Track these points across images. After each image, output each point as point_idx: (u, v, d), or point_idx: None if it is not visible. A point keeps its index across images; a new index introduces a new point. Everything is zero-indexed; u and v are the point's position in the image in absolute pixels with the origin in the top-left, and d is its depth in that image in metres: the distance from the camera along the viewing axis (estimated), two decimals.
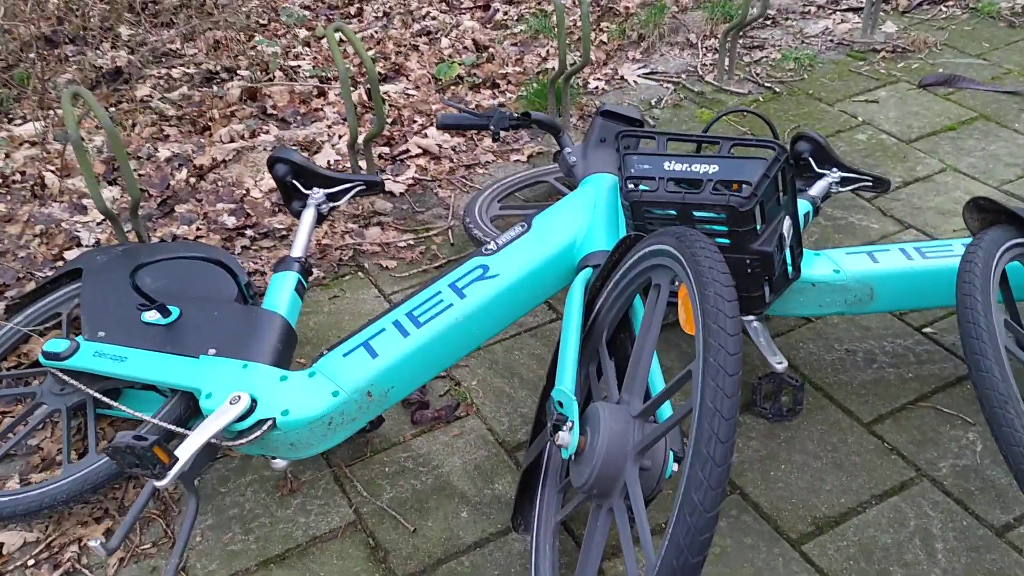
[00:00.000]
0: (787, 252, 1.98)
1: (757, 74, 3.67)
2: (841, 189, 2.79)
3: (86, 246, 2.86)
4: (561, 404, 1.64)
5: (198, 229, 2.94)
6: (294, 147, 3.37)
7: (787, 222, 1.92)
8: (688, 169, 1.87)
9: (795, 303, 2.16)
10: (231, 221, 2.97)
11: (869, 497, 1.97)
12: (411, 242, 2.86)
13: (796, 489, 2.00)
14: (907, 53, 3.74)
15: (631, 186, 1.90)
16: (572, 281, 1.97)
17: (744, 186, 1.82)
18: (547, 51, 3.94)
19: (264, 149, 3.34)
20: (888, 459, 2.06)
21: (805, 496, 1.99)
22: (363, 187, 2.55)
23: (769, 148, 1.86)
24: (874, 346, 2.36)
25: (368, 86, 3.71)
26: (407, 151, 3.30)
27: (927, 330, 2.39)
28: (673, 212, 1.86)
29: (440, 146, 3.32)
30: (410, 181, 3.15)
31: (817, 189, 2.69)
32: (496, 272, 1.99)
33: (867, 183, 2.77)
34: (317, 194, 2.51)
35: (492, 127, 2.28)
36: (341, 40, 4.12)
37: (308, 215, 2.45)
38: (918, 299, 2.15)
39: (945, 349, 2.33)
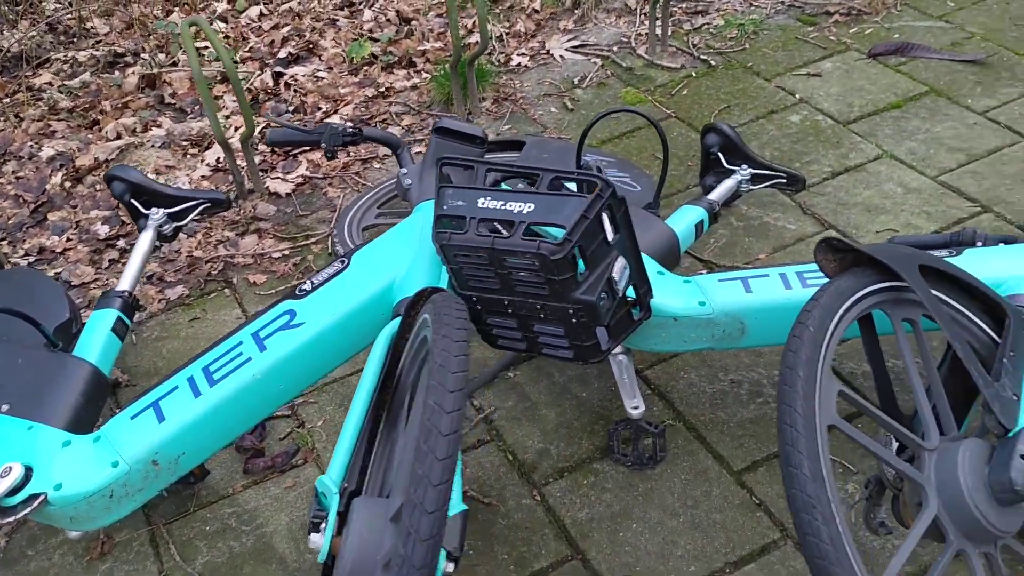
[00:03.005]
0: (629, 293, 1.74)
1: (695, 44, 3.36)
2: (752, 187, 2.52)
3: None
4: (325, 496, 1.44)
5: (68, 240, 2.76)
6: (185, 141, 3.15)
7: (619, 263, 1.67)
8: (502, 207, 1.62)
9: (656, 339, 1.92)
10: (104, 230, 2.78)
11: (723, 564, 1.76)
12: (287, 252, 2.65)
13: (644, 554, 1.79)
14: (862, 16, 3.40)
15: (441, 227, 1.66)
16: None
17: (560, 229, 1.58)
18: (473, 22, 3.65)
19: (153, 146, 3.13)
20: (752, 517, 1.83)
21: (653, 563, 1.78)
22: (207, 204, 2.34)
23: (593, 183, 1.61)
24: (763, 376, 2.11)
25: (276, 68, 3.47)
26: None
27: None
28: (485, 259, 1.62)
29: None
30: (299, 180, 2.92)
31: (721, 191, 2.42)
32: (303, 320, 1.77)
33: (780, 180, 2.49)
34: (157, 214, 2.30)
35: (323, 144, 2.05)
36: (237, 36, 3.87)
37: (144, 239, 2.25)
38: None
39: (842, 379, 2.08)
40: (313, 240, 2.67)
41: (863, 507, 1.63)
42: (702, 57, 3.28)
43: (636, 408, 1.90)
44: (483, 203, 1.64)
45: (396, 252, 1.83)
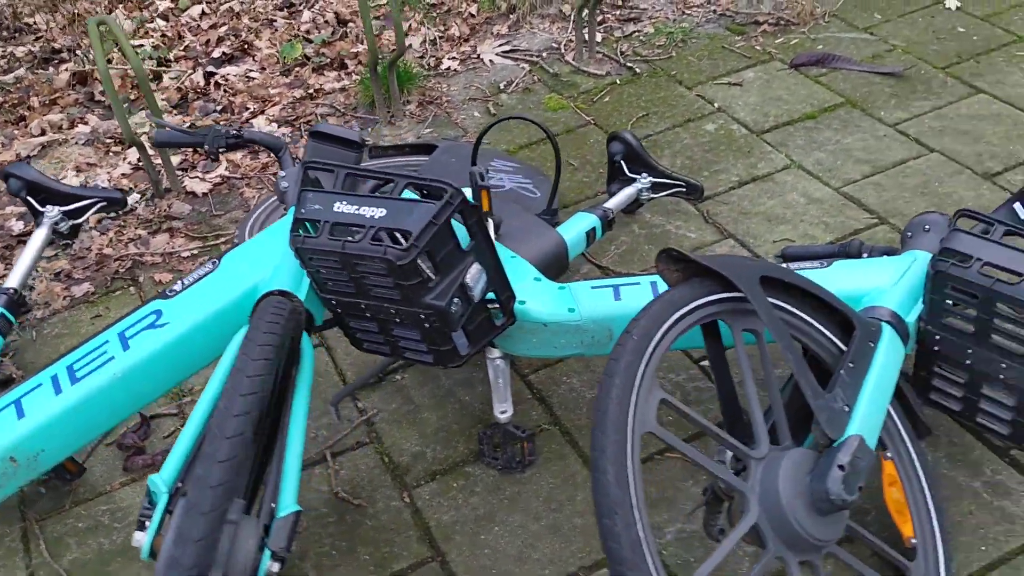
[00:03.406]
0: (490, 297, 1.77)
1: (622, 52, 3.38)
2: (653, 195, 2.54)
3: None
4: (155, 495, 1.46)
5: None
6: (109, 139, 3.17)
7: (474, 269, 1.69)
8: (355, 212, 1.64)
9: (527, 344, 1.94)
10: (18, 227, 2.80)
11: (577, 569, 1.78)
12: (196, 251, 2.67)
13: (502, 557, 1.81)
14: (790, 27, 3.42)
15: (297, 231, 1.68)
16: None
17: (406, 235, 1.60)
18: (410, 25, 3.67)
19: (77, 143, 3.15)
20: None
21: (510, 566, 1.80)
22: (103, 203, 2.36)
23: (443, 189, 1.63)
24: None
25: (208, 68, 3.49)
26: None
27: (705, 363, 2.16)
28: (337, 263, 1.64)
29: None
30: (217, 180, 2.94)
31: (618, 199, 2.45)
32: (168, 320, 1.79)
33: (680, 189, 2.52)
34: (52, 212, 2.32)
35: (206, 147, 2.06)
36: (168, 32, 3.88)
37: (36, 237, 2.27)
38: None
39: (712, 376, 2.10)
40: (223, 240, 2.69)
41: (703, 514, 1.66)
42: (628, 64, 3.30)
43: (504, 413, 1.92)
44: (338, 207, 1.66)
45: (264, 254, 1.85)
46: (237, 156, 3.02)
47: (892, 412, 1.72)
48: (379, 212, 1.62)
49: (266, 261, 1.84)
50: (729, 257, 1.62)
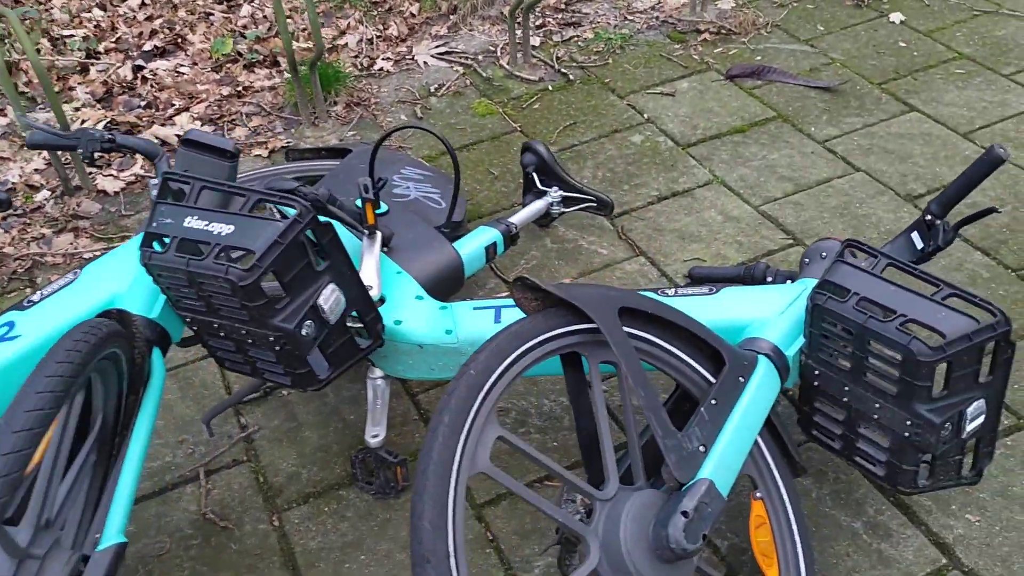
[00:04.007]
0: (354, 317, 1.70)
1: (559, 57, 3.31)
2: (564, 209, 2.48)
3: None
4: None
5: None
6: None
7: (329, 291, 1.63)
8: (204, 228, 1.57)
9: (404, 365, 1.88)
10: None
11: None
12: (99, 253, 2.60)
13: None
14: (731, 36, 3.36)
15: (146, 245, 1.61)
16: None
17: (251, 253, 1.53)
18: (348, 23, 3.59)
19: None
20: (481, 553, 1.80)
21: None
22: None
23: (292, 206, 1.56)
24: (531, 405, 2.08)
25: (138, 61, 3.41)
26: None
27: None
28: (184, 280, 1.57)
29: (180, 136, 3.03)
30: (131, 178, 2.87)
31: (525, 213, 2.38)
32: (20, 332, 1.72)
33: (591, 204, 2.45)
34: None
35: (80, 150, 1.99)
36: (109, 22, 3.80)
37: None
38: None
39: (609, 412, 2.04)
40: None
41: (559, 551, 1.60)
42: (562, 70, 3.23)
43: (375, 437, 1.86)
44: (189, 222, 1.59)
45: (124, 267, 1.78)
46: None
47: (765, 449, 1.66)
48: (227, 229, 1.56)
49: (125, 274, 1.77)
50: (590, 287, 1.55)
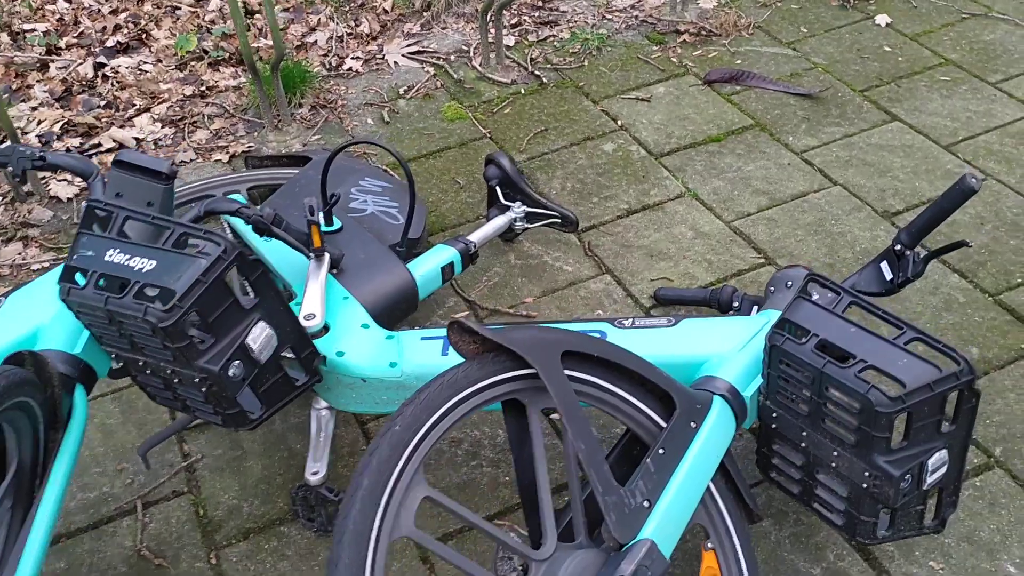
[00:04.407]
0: (292, 355, 1.62)
1: (533, 58, 3.21)
2: (528, 225, 2.39)
3: None
4: None
5: None
6: None
7: (259, 329, 1.54)
8: (126, 263, 1.49)
9: (348, 399, 1.80)
10: None
11: None
12: (48, 264, 2.51)
13: None
14: (712, 38, 3.25)
15: (67, 279, 1.52)
16: None
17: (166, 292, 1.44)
18: (319, 19, 3.49)
19: None
20: None
21: None
22: None
23: (215, 244, 1.48)
24: (484, 436, 2.00)
25: (100, 58, 3.31)
26: (99, 145, 2.92)
27: (556, 416, 2.02)
28: (103, 318, 1.49)
29: (138, 139, 2.94)
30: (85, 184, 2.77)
31: (485, 230, 2.29)
32: None
33: (555, 220, 2.36)
34: None
35: (10, 168, 1.90)
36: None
37: None
38: None
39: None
40: None
41: None
42: (536, 72, 3.13)
43: (316, 474, 1.78)
44: (110, 256, 1.50)
45: (49, 296, 1.69)
46: (110, 158, 2.85)
47: (718, 496, 1.58)
48: (148, 265, 1.47)
49: (50, 304, 1.68)
50: (530, 329, 1.47)
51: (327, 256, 1.96)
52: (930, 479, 1.51)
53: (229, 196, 2.24)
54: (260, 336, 1.54)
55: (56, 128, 2.99)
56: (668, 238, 2.45)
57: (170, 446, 2.02)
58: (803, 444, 1.59)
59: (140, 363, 1.57)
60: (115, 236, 1.53)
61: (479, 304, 2.30)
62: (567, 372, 1.47)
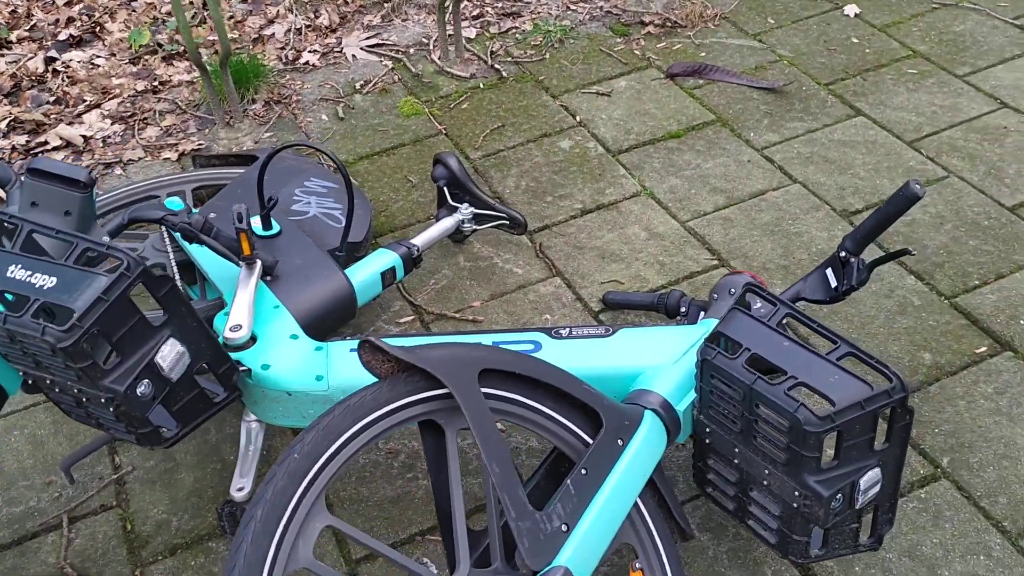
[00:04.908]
0: (213, 371, 1.57)
1: (493, 52, 3.14)
2: (477, 227, 2.33)
3: None
4: None
5: None
6: None
7: (168, 347, 1.48)
8: (27, 279, 1.43)
9: (276, 413, 1.75)
10: None
11: None
12: None
13: None
14: (677, 29, 3.18)
15: None
16: None
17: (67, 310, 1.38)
18: (278, 11, 3.41)
19: None
20: None
21: None
22: None
23: (119, 260, 1.42)
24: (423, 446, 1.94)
25: (51, 52, 3.23)
26: (45, 143, 2.85)
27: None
28: (6, 337, 1.43)
29: (86, 137, 2.87)
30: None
31: (430, 233, 2.24)
32: None
33: (503, 222, 2.31)
34: None
35: None
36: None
37: None
38: None
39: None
40: None
41: None
42: (496, 66, 3.06)
43: (241, 491, 1.72)
44: (12, 272, 1.44)
45: None
46: (63, 156, 2.79)
47: (647, 514, 1.54)
48: (49, 282, 1.41)
49: None
50: (448, 346, 1.42)
51: (258, 264, 1.91)
52: (863, 498, 1.46)
53: (170, 198, 2.19)
54: (170, 354, 1.49)
55: (2, 125, 2.93)
56: (621, 239, 2.40)
57: (101, 457, 1.97)
58: (736, 461, 1.54)
59: (47, 381, 1.52)
60: (18, 251, 1.48)
61: (425, 308, 2.25)
62: (487, 390, 1.42)
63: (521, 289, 2.29)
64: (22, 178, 1.77)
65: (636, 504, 1.52)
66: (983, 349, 2.03)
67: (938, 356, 2.03)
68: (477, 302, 2.26)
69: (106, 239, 1.81)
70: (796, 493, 1.44)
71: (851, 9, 3.18)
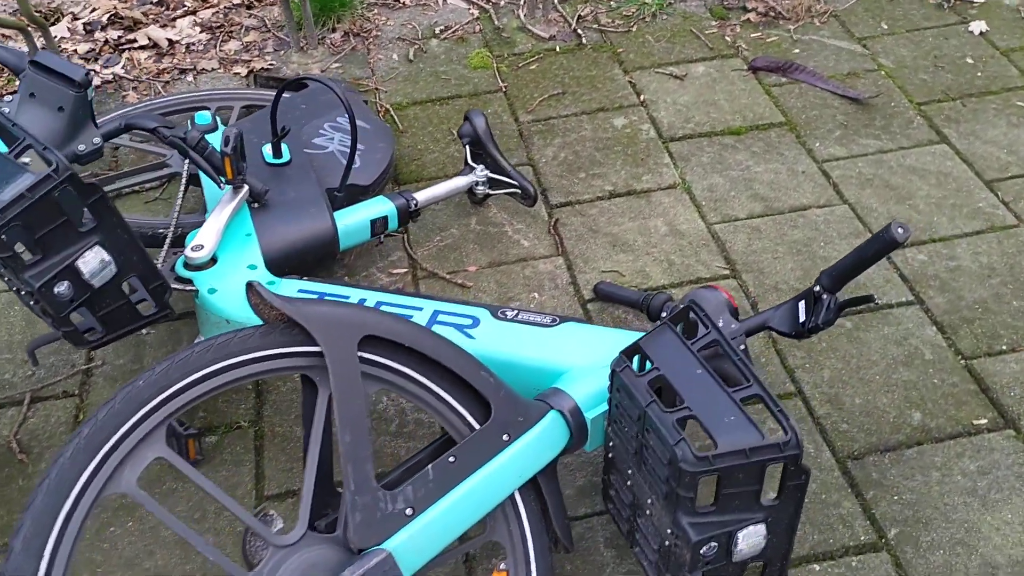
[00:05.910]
0: (137, 284, 1.61)
1: (581, 16, 3.04)
2: (490, 191, 2.29)
3: None
4: None
5: None
6: None
7: (93, 253, 1.53)
8: None
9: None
10: None
11: None
12: None
13: (111, 561, 1.70)
14: (779, 20, 2.98)
15: None
16: None
17: None
18: None
19: None
20: None
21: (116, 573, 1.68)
22: None
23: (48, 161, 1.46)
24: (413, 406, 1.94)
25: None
26: (134, 41, 2.97)
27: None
28: None
29: (172, 41, 2.97)
30: (109, 76, 2.84)
31: (436, 190, 2.21)
32: None
33: (515, 190, 2.25)
34: None
35: None
36: None
37: None
38: None
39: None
40: None
41: None
42: (578, 31, 2.96)
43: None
44: None
45: None
46: (145, 55, 2.91)
47: (525, 517, 1.48)
48: None
49: None
50: (337, 305, 1.39)
51: (245, 188, 1.94)
52: (740, 552, 1.35)
53: (200, 112, 2.23)
54: (93, 260, 1.53)
55: (104, 19, 3.07)
56: (640, 229, 2.29)
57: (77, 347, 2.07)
58: (629, 483, 1.46)
59: None
60: None
61: (420, 264, 2.23)
62: (371, 356, 1.39)
63: (521, 262, 2.23)
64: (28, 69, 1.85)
65: (515, 504, 1.47)
66: (983, 421, 1.84)
67: (929, 419, 1.85)
68: (473, 267, 2.22)
69: (97, 140, 1.87)
70: (669, 531, 1.35)
71: (977, 26, 2.89)
